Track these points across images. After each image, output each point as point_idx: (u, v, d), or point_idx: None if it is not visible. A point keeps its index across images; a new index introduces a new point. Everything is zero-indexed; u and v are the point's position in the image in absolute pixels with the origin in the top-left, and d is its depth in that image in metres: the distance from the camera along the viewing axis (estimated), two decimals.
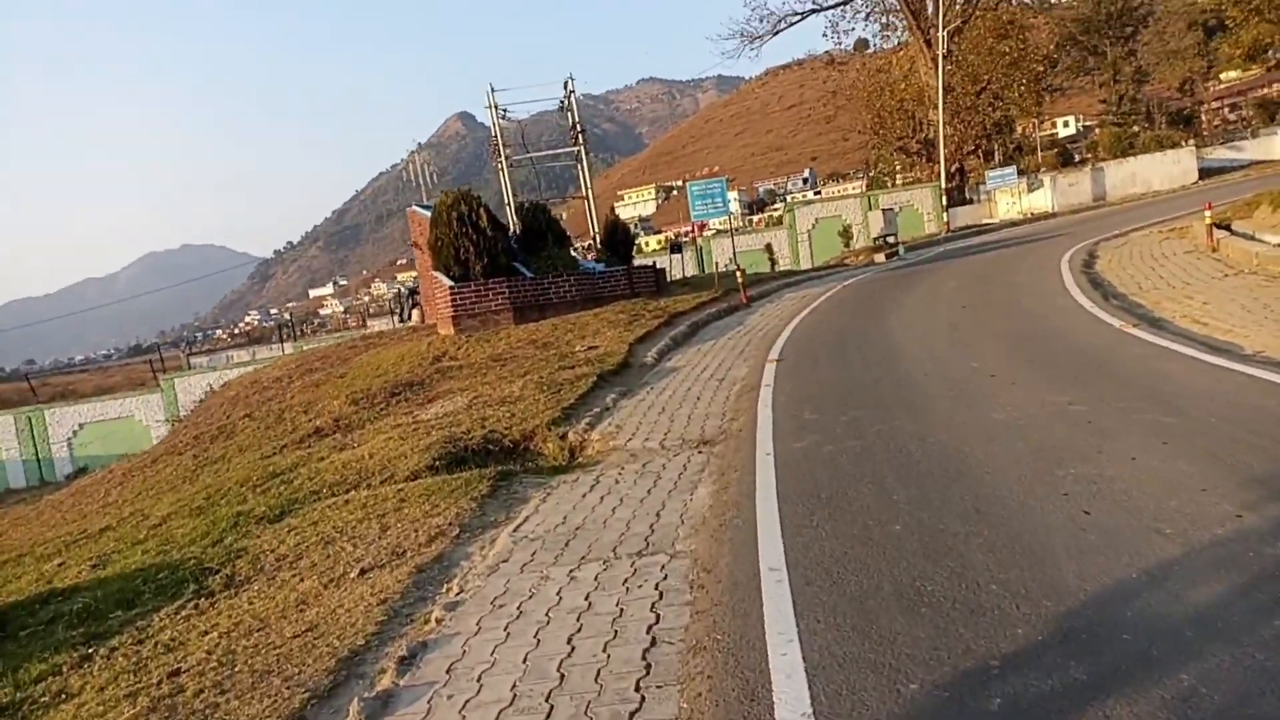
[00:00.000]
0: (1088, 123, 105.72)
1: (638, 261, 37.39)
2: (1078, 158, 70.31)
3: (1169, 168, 35.55)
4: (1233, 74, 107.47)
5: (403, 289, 30.04)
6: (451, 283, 15.69)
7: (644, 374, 11.35)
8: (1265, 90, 79.87)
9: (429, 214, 17.15)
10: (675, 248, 27.64)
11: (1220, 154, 39.04)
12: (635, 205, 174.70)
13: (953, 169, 35.17)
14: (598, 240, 20.90)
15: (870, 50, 46.81)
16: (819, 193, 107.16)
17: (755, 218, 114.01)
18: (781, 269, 32.42)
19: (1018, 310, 11.53)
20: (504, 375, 11.53)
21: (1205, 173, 36.43)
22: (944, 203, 32.76)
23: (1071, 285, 13.03)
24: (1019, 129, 56.13)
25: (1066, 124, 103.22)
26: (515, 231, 17.90)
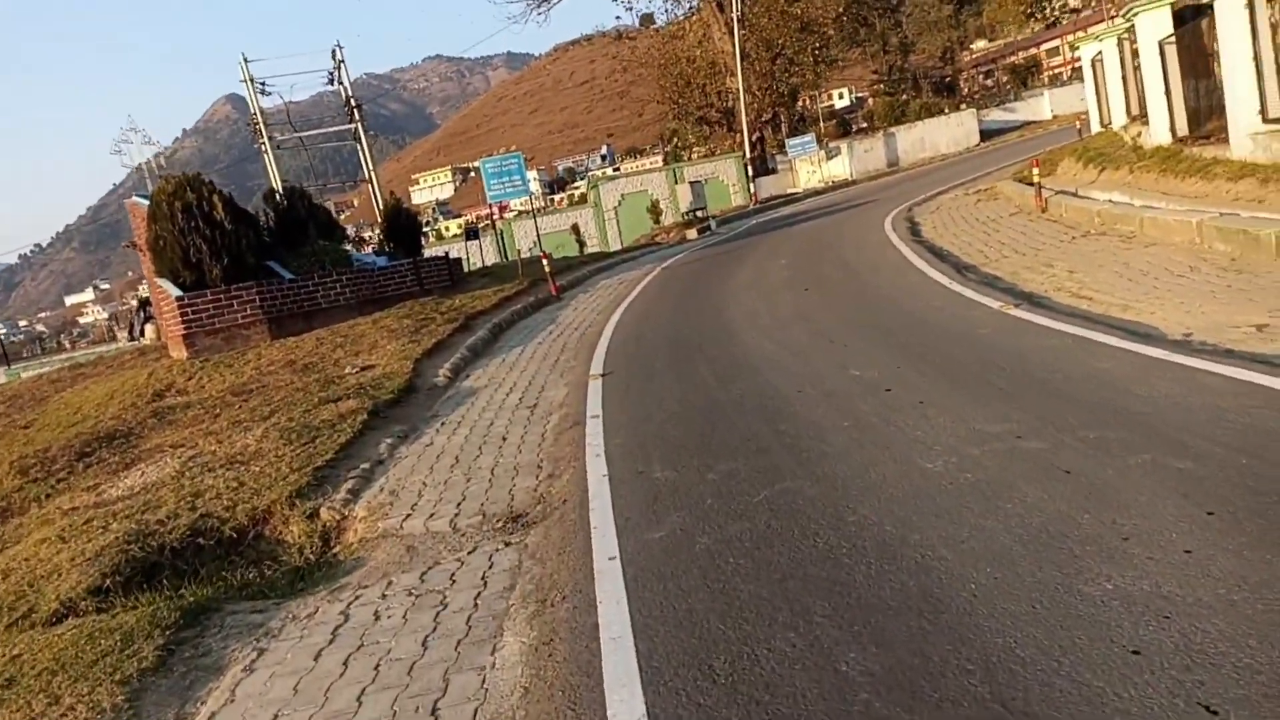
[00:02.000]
0: (860, 94, 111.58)
1: (431, 251, 34.16)
2: (854, 127, 73.32)
3: (954, 130, 36.76)
4: (980, 44, 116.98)
5: (135, 300, 25.35)
6: (180, 292, 12.33)
7: (433, 402, 8.84)
8: (1012, 58, 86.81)
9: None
10: (471, 233, 24.84)
11: (996, 115, 41.07)
12: (431, 189, 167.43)
13: (754, 138, 34.60)
14: (375, 230, 17.88)
15: (657, 25, 45.60)
16: (618, 169, 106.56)
17: (557, 197, 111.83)
18: (591, 251, 30.44)
19: (869, 291, 10.02)
20: (242, 417, 8.64)
21: (985, 134, 38.01)
22: (749, 173, 32.00)
23: (912, 257, 11.78)
24: (800, 100, 57.16)
25: (841, 95, 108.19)
26: (269, 223, 14.61)
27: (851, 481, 4.26)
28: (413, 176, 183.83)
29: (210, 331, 12.41)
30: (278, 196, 14.52)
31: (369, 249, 17.70)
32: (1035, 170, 13.68)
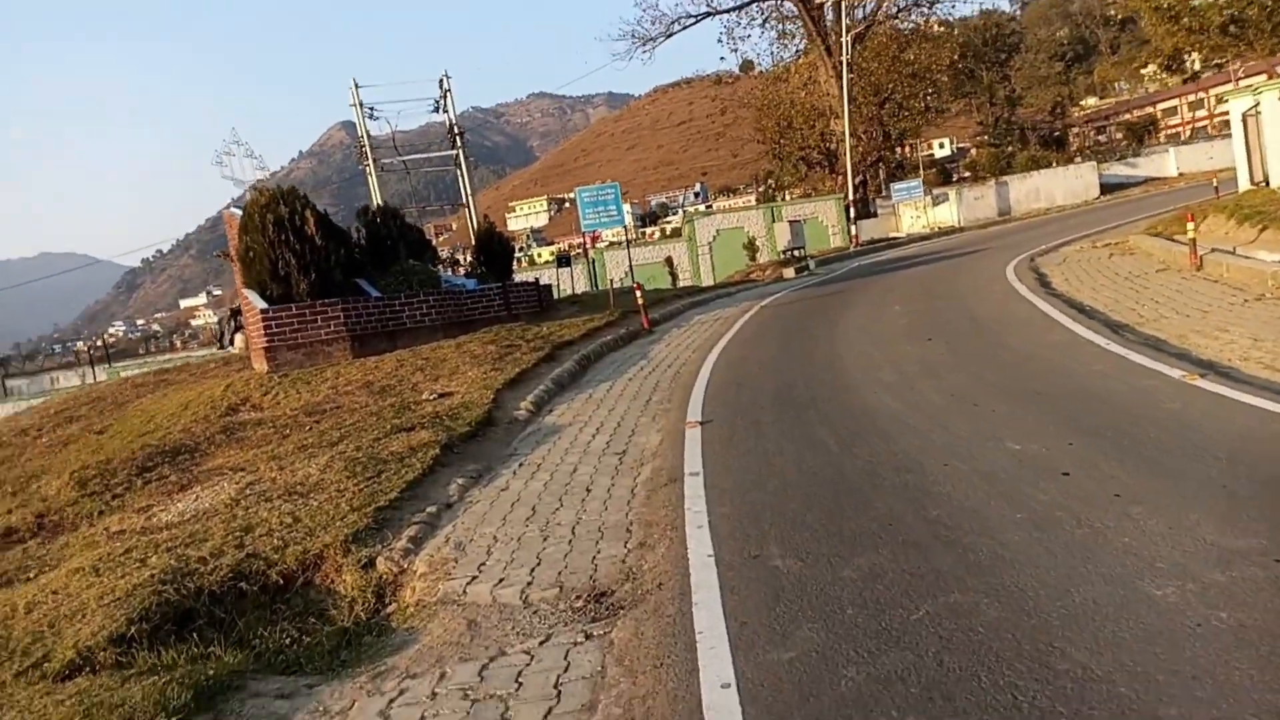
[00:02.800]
0: (961, 144, 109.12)
1: (523, 277, 33.97)
2: (955, 177, 71.27)
3: (1071, 182, 34.81)
4: (1090, 100, 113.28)
5: (228, 309, 25.70)
6: (265, 305, 11.99)
7: (511, 438, 8.06)
8: (1126, 115, 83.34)
9: None
10: (563, 260, 24.29)
11: (1116, 170, 38.85)
12: (527, 217, 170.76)
13: (856, 181, 33.43)
14: (468, 254, 17.47)
15: (756, 71, 45.02)
16: (710, 206, 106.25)
17: (648, 230, 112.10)
18: (683, 285, 29.67)
19: (1006, 346, 8.83)
20: (310, 441, 8.02)
21: (1105, 188, 35.91)
22: (850, 215, 30.81)
23: (1050, 310, 10.53)
24: (901, 147, 55.61)
25: (942, 145, 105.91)
26: (360, 241, 14.27)
27: (1048, 605, 3.20)
28: (509, 204, 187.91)
29: (292, 346, 12.00)
30: (371, 214, 14.18)
31: (461, 271, 17.27)
32: (1190, 225, 12.21)
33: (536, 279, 16.55)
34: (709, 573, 4.05)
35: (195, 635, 4.78)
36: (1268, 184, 16.72)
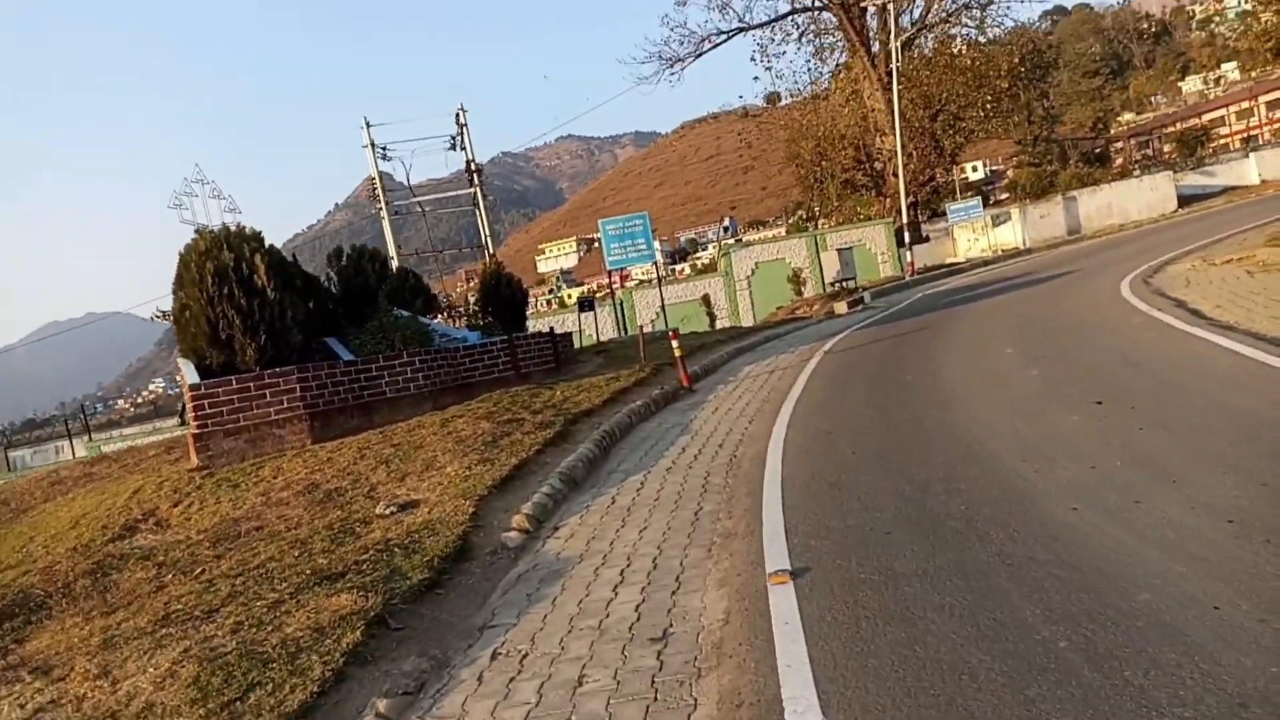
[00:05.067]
0: (995, 167, 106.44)
1: (547, 322, 31.31)
2: (992, 199, 68.29)
3: (1146, 195, 31.52)
4: (1127, 116, 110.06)
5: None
6: (196, 378, 9.35)
7: (490, 590, 5.23)
8: (1171, 128, 79.78)
9: None
10: (586, 304, 21.44)
11: (1193, 180, 35.45)
12: (557, 258, 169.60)
13: (909, 202, 30.49)
14: (475, 301, 14.85)
15: (786, 100, 42.59)
16: (740, 240, 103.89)
17: (678, 268, 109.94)
18: (723, 326, 26.83)
19: (1227, 411, 5.83)
20: (181, 606, 5.25)
21: (1181, 200, 32.56)
22: (906, 240, 27.82)
23: (1243, 349, 7.52)
24: (956, 165, 52.47)
25: (975, 169, 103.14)
26: (331, 289, 11.65)
27: None
28: (539, 246, 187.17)
29: (232, 431, 9.33)
30: (346, 256, 11.54)
31: (461, 323, 14.61)
32: None
33: (552, 328, 13.82)
34: None
35: None
36: None
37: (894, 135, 29.15)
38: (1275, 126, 76.85)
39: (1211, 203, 31.81)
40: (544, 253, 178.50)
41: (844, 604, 3.89)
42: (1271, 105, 79.29)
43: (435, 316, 14.59)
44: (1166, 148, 70.99)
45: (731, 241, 77.93)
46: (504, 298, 13.92)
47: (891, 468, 6.00)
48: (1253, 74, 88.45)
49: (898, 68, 27.25)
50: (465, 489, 6.81)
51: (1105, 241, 28.23)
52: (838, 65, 35.73)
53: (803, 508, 5.47)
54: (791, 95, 39.26)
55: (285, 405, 9.64)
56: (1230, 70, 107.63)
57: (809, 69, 39.37)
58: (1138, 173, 42.28)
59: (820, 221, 48.95)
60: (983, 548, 4.23)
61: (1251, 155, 37.03)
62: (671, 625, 4.13)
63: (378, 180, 30.69)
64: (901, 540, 4.55)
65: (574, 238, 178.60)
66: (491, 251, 29.04)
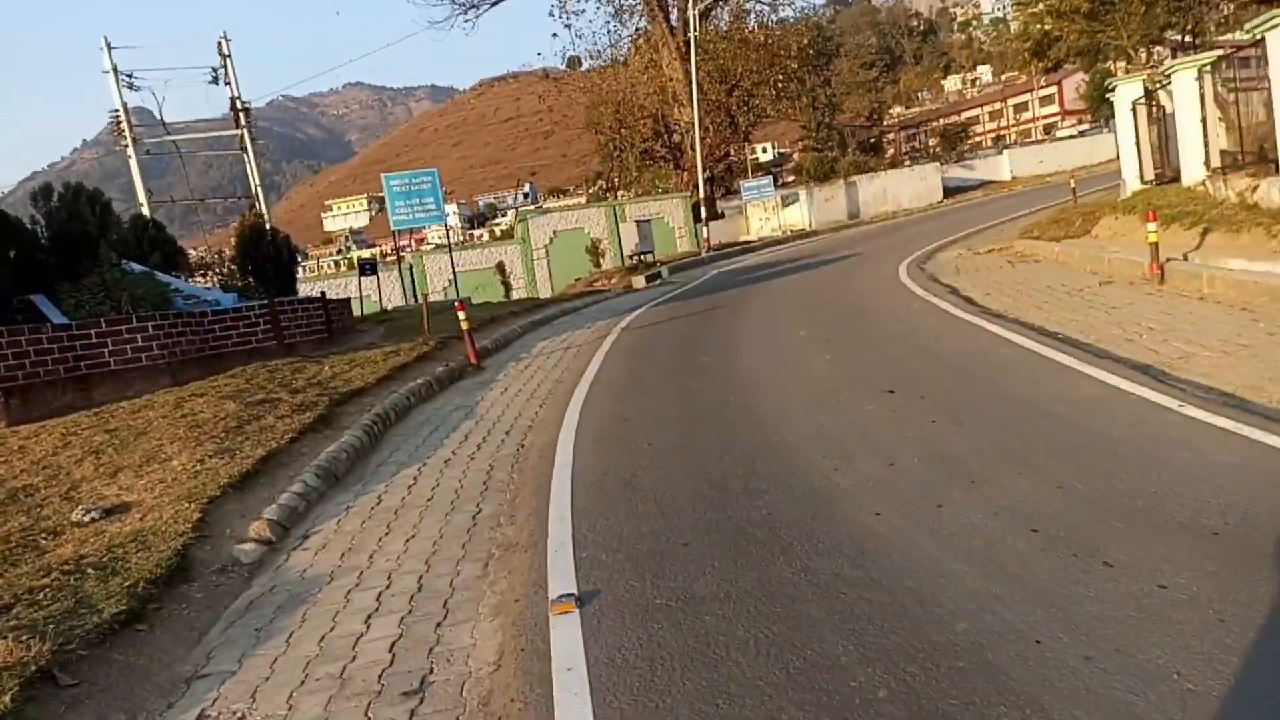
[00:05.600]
0: (783, 149, 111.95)
1: (327, 287, 28.90)
2: (779, 181, 71.84)
3: (917, 184, 33.91)
4: (897, 109, 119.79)
5: None
6: None
7: (207, 624, 4.23)
8: (935, 123, 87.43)
9: None
10: (367, 268, 19.57)
11: (955, 173, 38.63)
12: (346, 216, 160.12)
13: (706, 177, 30.84)
14: (231, 259, 13.06)
15: (585, 68, 42.00)
16: (539, 208, 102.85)
17: (477, 233, 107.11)
18: (519, 297, 25.93)
19: (1011, 403, 5.87)
20: None
21: (945, 191, 35.35)
22: (703, 215, 28.11)
23: (1021, 339, 7.81)
24: (749, 142, 54.17)
25: (765, 149, 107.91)
26: (42, 237, 9.66)
27: None
28: (326, 202, 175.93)
29: None
30: (58, 195, 9.57)
31: (212, 283, 12.82)
32: (1152, 226, 9.93)
33: (323, 293, 12.40)
34: None
35: None
36: (1172, 180, 15.18)
37: (692, 107, 29.29)
38: (1020, 128, 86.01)
39: (971, 195, 34.82)
40: (331, 210, 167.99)
41: (636, 640, 3.32)
42: (1018, 108, 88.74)
43: (185, 276, 12.70)
44: (931, 141, 77.54)
45: (531, 208, 76.53)
46: (266, 254, 12.31)
47: (690, 462, 5.54)
48: (1002, 77, 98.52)
49: (695, 38, 27.27)
50: (193, 488, 5.64)
51: (881, 227, 30.05)
52: (637, 30, 35.55)
53: (594, 511, 4.88)
54: (591, 57, 38.70)
55: None
56: (985, 72, 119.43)
57: (609, 31, 38.85)
58: (908, 163, 45.63)
59: (620, 193, 48.94)
60: (787, 563, 3.81)
61: (1005, 153, 40.99)
62: (432, 671, 3.39)
63: (122, 112, 26.82)
64: (701, 553, 4.06)
65: (365, 195, 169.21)
66: (260, 202, 26.29)
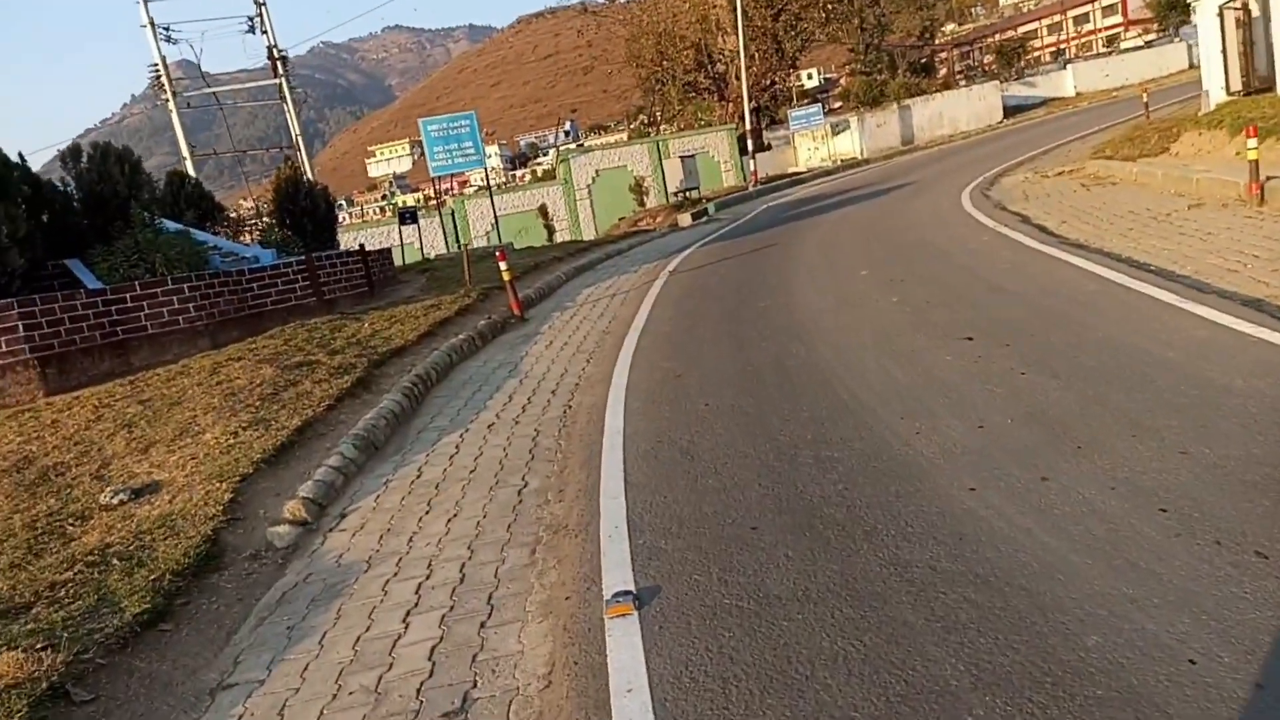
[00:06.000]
0: (828, 75, 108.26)
1: (367, 238, 28.65)
2: (826, 108, 69.38)
3: (975, 105, 32.24)
4: (950, 26, 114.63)
5: None
6: None
7: (236, 621, 3.92)
8: (989, 40, 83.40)
9: None
10: (407, 216, 19.04)
11: (1016, 91, 36.63)
12: (389, 162, 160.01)
13: (752, 107, 29.60)
14: (269, 213, 12.74)
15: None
16: (582, 145, 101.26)
17: (519, 173, 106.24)
18: (562, 240, 25.39)
19: (1125, 352, 5.25)
20: None
21: (1005, 111, 33.55)
22: (749, 148, 27.05)
23: (1114, 275, 7.09)
24: (795, 70, 52.13)
25: (810, 76, 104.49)
26: (74, 199, 9.41)
27: None
28: (369, 149, 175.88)
29: None
30: (84, 160, 9.27)
31: (253, 239, 12.55)
32: (1251, 142, 8.98)
33: (362, 245, 12.03)
34: None
35: None
36: (1261, 90, 13.93)
37: (736, 34, 27.99)
38: (1081, 40, 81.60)
39: (1033, 113, 33.01)
40: (374, 156, 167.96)
41: (705, 653, 2.89)
42: (1078, 20, 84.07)
43: (220, 231, 12.45)
44: (987, 59, 73.90)
45: (572, 146, 75.33)
46: (303, 208, 11.97)
47: (752, 426, 5.06)
48: None
49: None
50: (225, 464, 5.35)
51: (938, 152, 28.67)
52: None
53: (649, 486, 4.44)
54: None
55: (4, 349, 7.63)
56: None
57: None
58: (964, 83, 43.44)
59: (662, 127, 47.64)
60: (873, 552, 3.34)
61: (1068, 68, 38.70)
62: (476, 685, 3.02)
63: (160, 65, 26.54)
64: (772, 539, 3.60)
65: (406, 140, 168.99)
66: (300, 151, 25.92)
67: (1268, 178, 9.28)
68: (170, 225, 10.30)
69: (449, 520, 4.57)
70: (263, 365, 7.44)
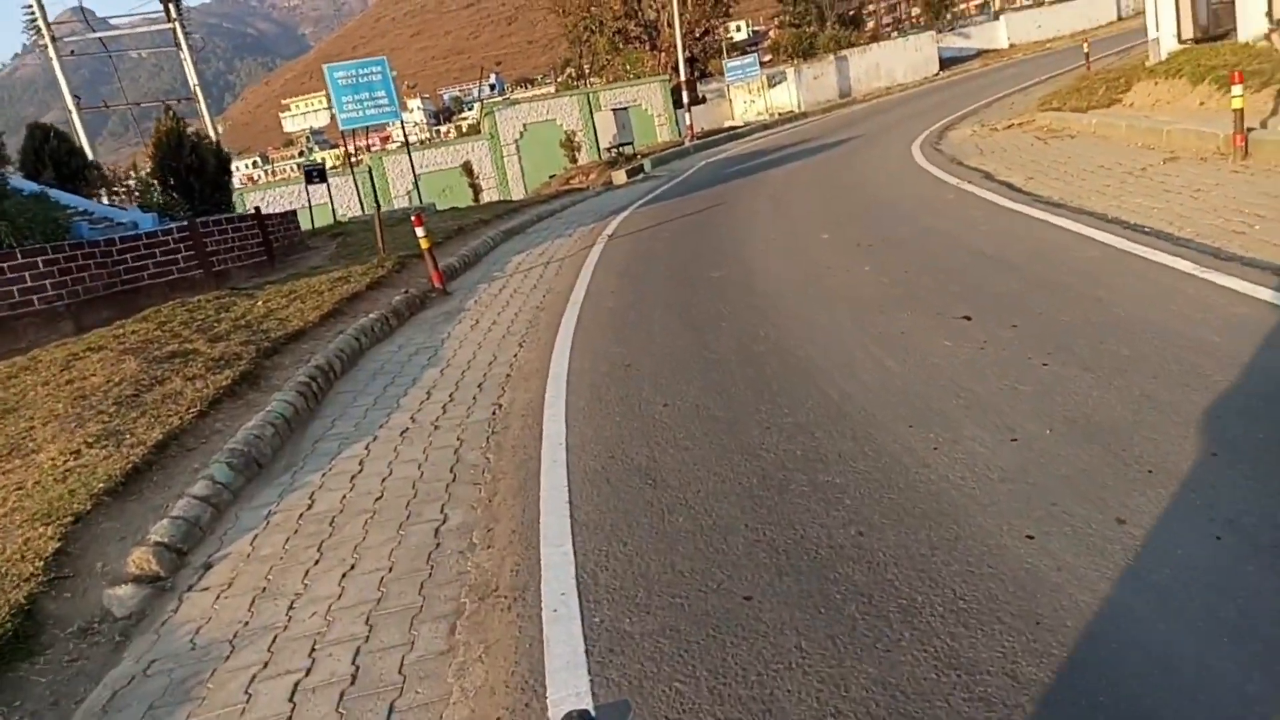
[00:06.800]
0: (756, 28, 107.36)
1: (279, 198, 26.64)
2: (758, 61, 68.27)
3: (911, 56, 31.55)
4: None
5: None
6: None
7: None
8: None
9: None
10: (315, 174, 17.11)
11: (950, 43, 36.10)
12: (305, 116, 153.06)
13: (686, 57, 28.33)
14: (149, 170, 11.17)
15: None
16: (506, 98, 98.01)
17: (443, 129, 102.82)
18: (489, 200, 23.93)
19: (1126, 330, 4.45)
20: None
21: (941, 63, 33.01)
22: (684, 100, 25.88)
23: (1124, 244, 6.34)
24: (728, 19, 50.75)
25: (739, 28, 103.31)
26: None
27: None
28: (283, 102, 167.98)
29: None
30: None
31: (131, 203, 10.99)
32: (1237, 89, 8.31)
33: (257, 209, 10.59)
34: None
35: None
36: (1217, 38, 13.42)
37: None
38: None
39: (969, 65, 32.55)
40: (289, 110, 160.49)
41: None
42: None
43: (96, 196, 10.87)
44: (914, 10, 73.54)
45: (498, 100, 72.67)
46: (188, 165, 10.49)
47: (725, 436, 4.11)
48: None
49: None
50: (57, 498, 4.19)
51: (877, 104, 27.95)
52: None
53: (603, 527, 3.47)
54: None
55: None
56: None
57: None
58: (895, 35, 42.86)
59: (591, 79, 45.86)
60: (920, 646, 2.43)
61: (1001, 19, 38.34)
62: None
63: (37, 6, 23.91)
64: (774, 618, 2.67)
65: (322, 93, 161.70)
66: (200, 103, 23.77)
67: (1249, 129, 8.67)
68: (25, 185, 8.80)
69: (344, 575, 3.53)
70: (126, 356, 6.18)
